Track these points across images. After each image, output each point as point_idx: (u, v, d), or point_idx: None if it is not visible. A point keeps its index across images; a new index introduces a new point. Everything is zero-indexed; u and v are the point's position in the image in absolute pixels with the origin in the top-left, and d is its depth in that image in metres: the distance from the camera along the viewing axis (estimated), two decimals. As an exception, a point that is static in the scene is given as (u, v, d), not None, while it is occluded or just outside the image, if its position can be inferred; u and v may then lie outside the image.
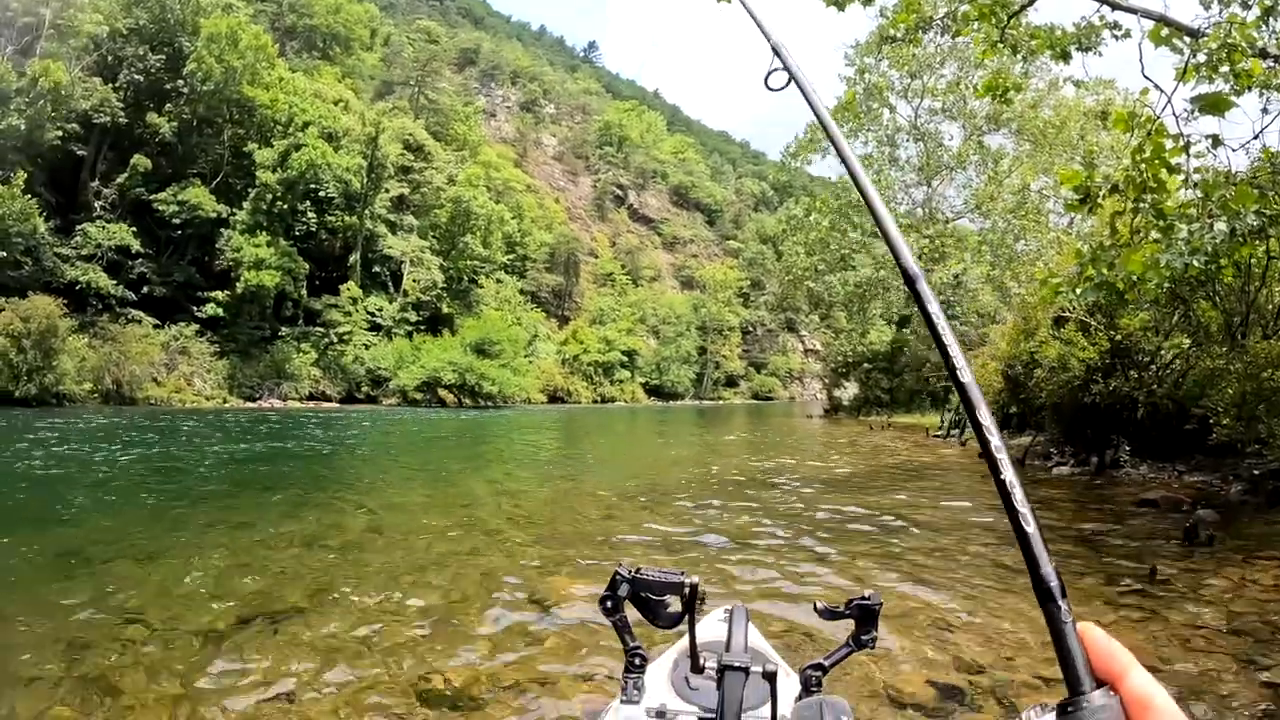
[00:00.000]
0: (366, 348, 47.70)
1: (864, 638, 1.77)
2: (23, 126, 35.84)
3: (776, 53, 1.54)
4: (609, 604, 1.76)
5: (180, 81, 41.49)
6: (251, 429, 24.79)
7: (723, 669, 1.66)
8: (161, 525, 9.17)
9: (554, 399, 61.88)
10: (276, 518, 9.82)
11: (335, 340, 46.42)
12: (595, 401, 67.80)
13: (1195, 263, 6.24)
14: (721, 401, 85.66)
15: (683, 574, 1.72)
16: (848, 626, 1.80)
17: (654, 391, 79.33)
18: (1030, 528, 0.89)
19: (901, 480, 14.05)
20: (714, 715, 1.68)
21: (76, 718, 4.10)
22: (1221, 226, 6.10)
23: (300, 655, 4.90)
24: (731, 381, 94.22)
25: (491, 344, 52.99)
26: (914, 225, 37.77)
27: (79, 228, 37.55)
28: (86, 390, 28.97)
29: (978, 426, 1.22)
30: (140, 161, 39.67)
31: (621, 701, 1.89)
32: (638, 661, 1.89)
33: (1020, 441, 17.19)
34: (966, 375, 1.23)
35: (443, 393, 48.10)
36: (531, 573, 6.94)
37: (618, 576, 1.74)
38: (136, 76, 41.35)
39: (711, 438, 28.59)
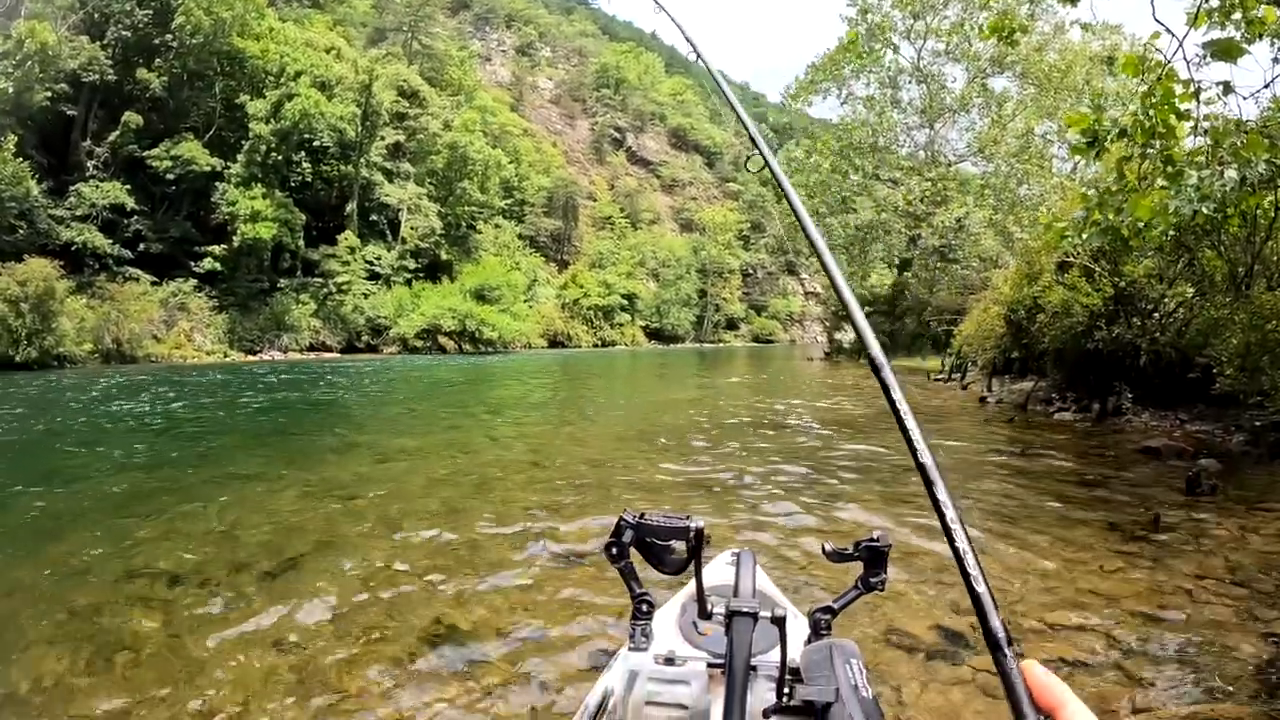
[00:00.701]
0: (366, 297, 47.58)
1: (873, 580, 1.75)
2: (11, 89, 35.60)
3: (755, 143, 1.82)
4: (614, 550, 1.73)
5: (169, 36, 40.87)
6: (252, 382, 24.83)
7: (730, 614, 1.63)
8: (164, 481, 9.20)
9: (554, 343, 61.89)
10: (280, 469, 9.90)
11: (334, 290, 46.29)
12: (596, 345, 67.81)
13: (1204, 209, 6.15)
14: (722, 344, 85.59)
15: (688, 518, 1.69)
16: (856, 569, 1.78)
17: (654, 335, 79.28)
18: (981, 588, 1.03)
19: (905, 424, 14.00)
20: (723, 661, 1.67)
21: (84, 674, 4.11)
22: (1232, 174, 6.00)
23: (309, 605, 4.95)
24: (732, 324, 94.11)
25: (491, 290, 52.90)
26: (915, 168, 37.43)
27: (73, 188, 37.31)
28: (87, 351, 28.95)
29: (935, 502, 1.22)
30: (131, 118, 39.23)
31: (629, 649, 1.90)
32: (644, 608, 1.89)
33: (1022, 387, 17.17)
34: (926, 457, 1.26)
35: (443, 339, 48.13)
36: (538, 518, 6.99)
37: (622, 522, 1.72)
38: (124, 33, 40.74)
39: (714, 380, 28.63)
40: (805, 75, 39.20)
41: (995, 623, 1.00)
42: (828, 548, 1.81)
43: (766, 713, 1.62)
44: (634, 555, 1.80)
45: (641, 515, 1.76)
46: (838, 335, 45.96)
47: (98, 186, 37.70)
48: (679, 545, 1.73)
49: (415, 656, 4.19)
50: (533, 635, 4.40)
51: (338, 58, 48.76)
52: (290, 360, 38.49)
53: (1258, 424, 9.76)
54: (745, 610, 1.63)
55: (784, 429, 13.15)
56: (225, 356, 36.83)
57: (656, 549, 1.79)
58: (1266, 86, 7.20)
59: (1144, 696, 3.62)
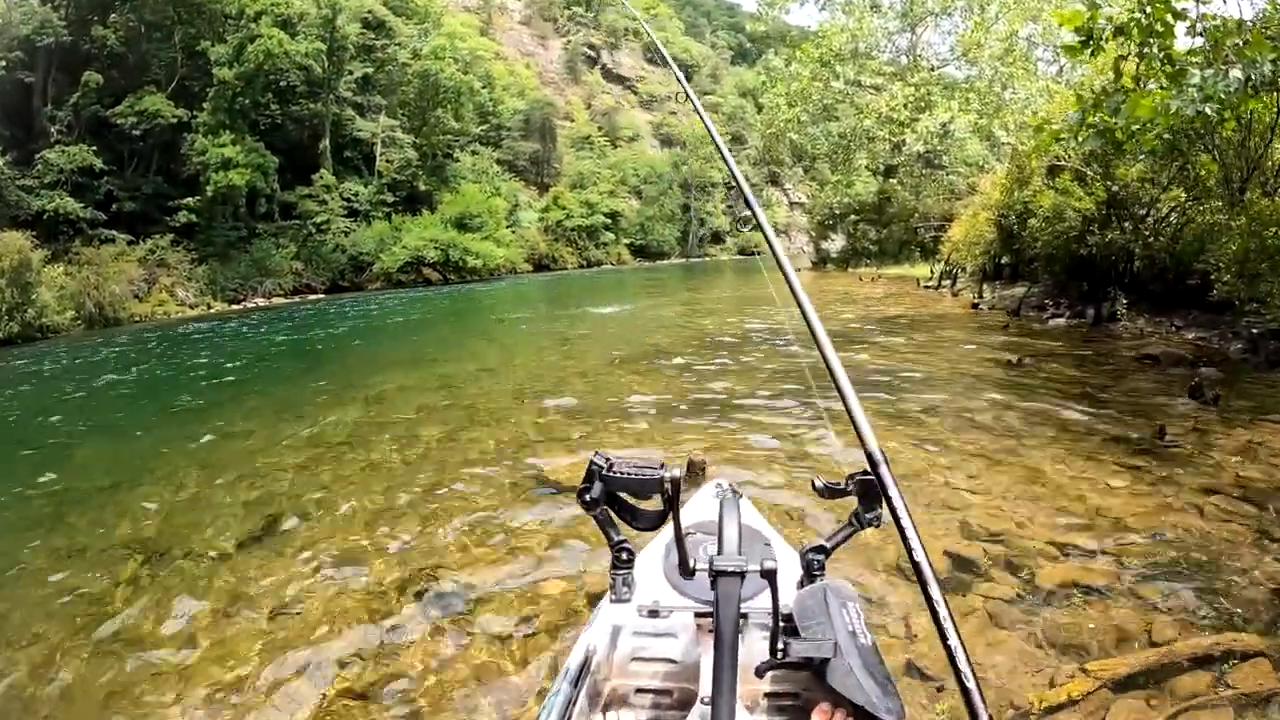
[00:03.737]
0: (346, 234, 46.88)
1: (868, 515, 1.70)
2: (-36, 64, 34.23)
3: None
4: (586, 497, 1.65)
5: (122, -12, 39.37)
6: (237, 332, 24.64)
7: (715, 574, 1.56)
8: (153, 446, 9.13)
9: (540, 267, 61.29)
10: (267, 423, 9.88)
11: (313, 231, 45.58)
12: (582, 266, 67.21)
13: (1208, 110, 5.93)
14: (708, 258, 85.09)
15: (660, 466, 1.61)
16: (850, 503, 1.74)
17: (639, 252, 78.67)
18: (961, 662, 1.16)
19: (899, 333, 13.99)
20: (710, 610, 1.61)
21: (80, 651, 4.11)
22: (1236, 74, 5.75)
23: (298, 564, 4.98)
24: (717, 238, 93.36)
25: (472, 217, 52.21)
26: (898, 74, 36.77)
27: (38, 156, 36.09)
28: (69, 319, 28.45)
29: (917, 566, 1.32)
30: (91, 78, 37.97)
31: (611, 600, 1.85)
32: (624, 556, 1.82)
33: (1013, 292, 17.09)
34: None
35: (427, 271, 47.63)
36: (523, 455, 6.98)
37: (593, 467, 1.64)
38: (76, -10, 39.26)
39: (701, 296, 28.50)
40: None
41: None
42: (818, 483, 1.76)
43: (760, 670, 1.56)
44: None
45: (610, 465, 1.65)
46: (824, 245, 45.64)
47: (64, 151, 36.59)
48: (654, 495, 1.62)
49: (397, 610, 4.17)
50: (515, 584, 4.36)
51: (299, -7, 47.35)
52: (275, 305, 38.18)
53: (1255, 331, 9.68)
54: (730, 569, 1.55)
55: (774, 345, 12.99)
56: (209, 308, 36.38)
57: (628, 504, 1.70)
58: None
59: (1161, 626, 3.58)
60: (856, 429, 1.62)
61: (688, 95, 2.65)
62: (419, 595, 4.35)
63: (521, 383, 10.96)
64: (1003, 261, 19.02)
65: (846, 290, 25.25)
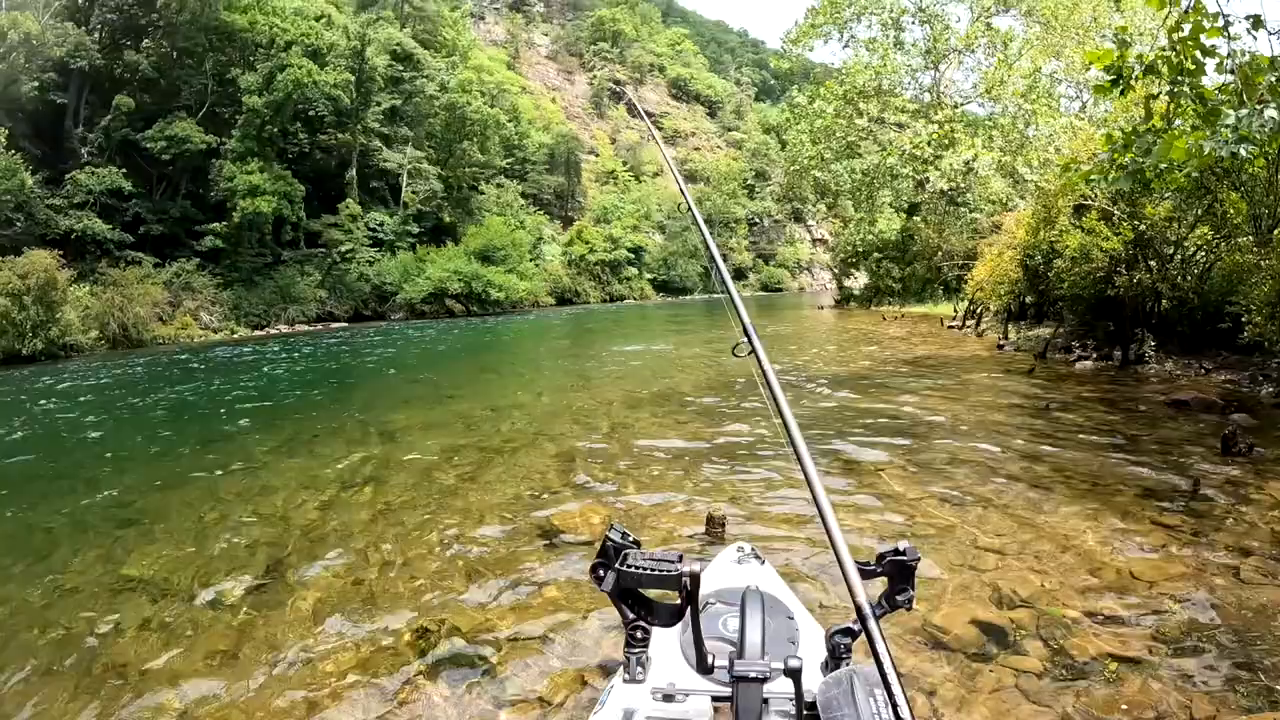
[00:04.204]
0: (370, 264, 47.28)
1: (899, 597, 1.61)
2: (-2, 82, 34.87)
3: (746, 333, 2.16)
4: (600, 573, 1.58)
5: (155, 15, 40.06)
6: (260, 358, 24.70)
7: (736, 680, 1.48)
8: (165, 475, 8.95)
9: (563, 300, 61.53)
10: (282, 456, 9.68)
11: (338, 260, 46.00)
12: (604, 301, 67.44)
13: (1244, 151, 5.75)
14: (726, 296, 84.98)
15: (679, 559, 1.53)
16: (881, 584, 1.66)
17: (662, 287, 78.89)
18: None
19: (923, 375, 13.76)
20: (729, 694, 1.51)
21: (72, 695, 3.94)
22: (1273, 114, 5.57)
23: (300, 615, 4.75)
24: (740, 274, 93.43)
25: (496, 250, 52.60)
26: (921, 111, 36.75)
27: (68, 176, 36.73)
28: (93, 339, 28.77)
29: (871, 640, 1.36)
30: (123, 102, 38.66)
31: (624, 680, 1.72)
32: (639, 634, 1.70)
33: (1039, 333, 16.87)
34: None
35: (450, 303, 47.88)
36: (541, 503, 6.74)
37: (608, 544, 1.56)
38: (109, 15, 40.09)
39: (725, 335, 28.34)
40: (805, 19, 38.44)
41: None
42: (838, 569, 1.58)
43: None
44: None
45: (625, 541, 1.58)
46: (847, 282, 45.51)
47: (93, 173, 37.15)
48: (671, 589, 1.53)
49: (405, 668, 3.95)
50: (525, 646, 4.13)
51: (328, 25, 47.86)
52: (298, 332, 38.40)
53: (1286, 373, 9.43)
54: (753, 675, 1.48)
55: (800, 388, 12.79)
56: (232, 333, 36.64)
57: (644, 597, 1.61)
58: (1297, 20, 6.73)
59: (1201, 703, 3.35)
60: (846, 578, 1.52)
61: (664, 155, 2.64)
62: (423, 653, 4.17)
63: (542, 423, 10.78)
64: (1027, 301, 18.80)
65: (869, 330, 25.04)
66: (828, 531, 1.56)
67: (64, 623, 4.88)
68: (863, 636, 1.66)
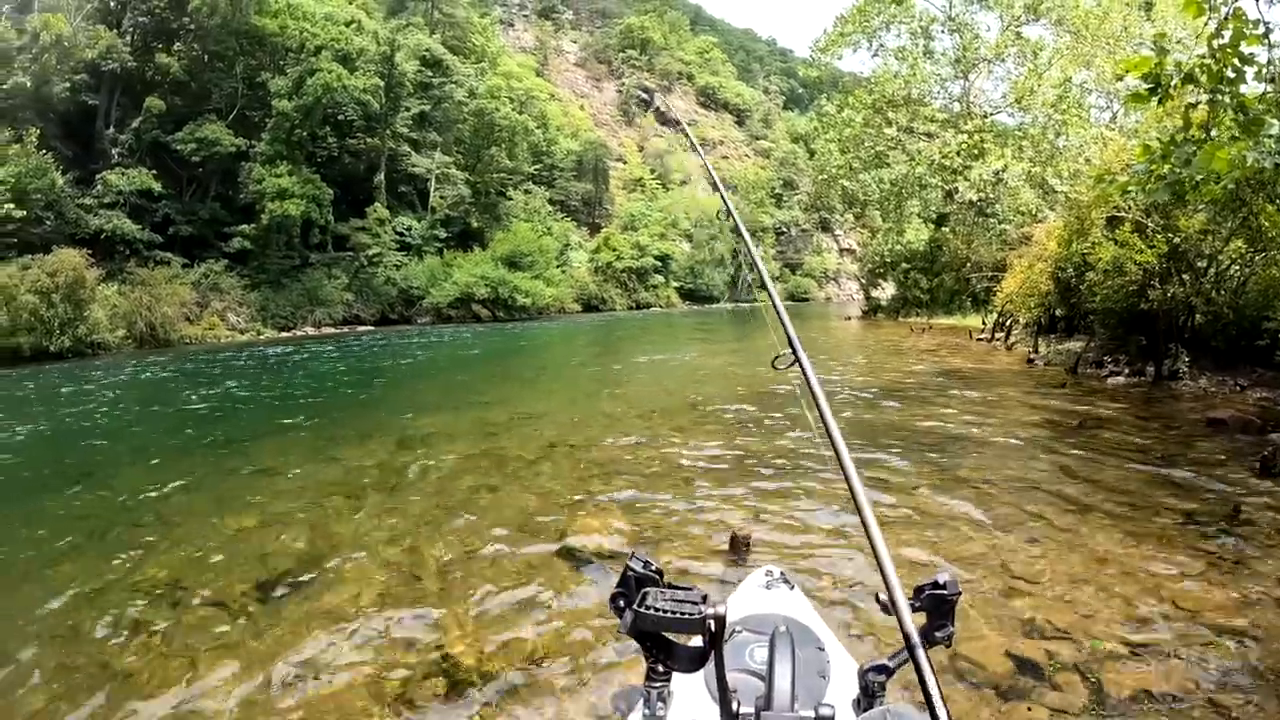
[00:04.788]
0: (397, 268, 47.51)
1: (938, 634, 1.52)
2: (29, 83, 35.42)
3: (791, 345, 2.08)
4: (620, 603, 1.45)
5: (186, 19, 40.52)
6: (283, 361, 24.80)
7: None
8: (185, 476, 8.92)
9: (589, 307, 61.53)
10: (303, 460, 9.64)
11: (365, 263, 46.24)
12: (631, 308, 67.39)
13: (1288, 162, 5.55)
14: (758, 303, 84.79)
15: (703, 599, 1.38)
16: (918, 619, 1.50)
17: (688, 295, 78.69)
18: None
19: (953, 389, 13.54)
20: None
21: (77, 705, 3.88)
22: (1319, 124, 5.36)
23: (309, 632, 4.62)
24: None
25: (523, 256, 52.68)
26: (950, 120, 36.48)
27: (99, 176, 37.20)
28: (120, 337, 29.11)
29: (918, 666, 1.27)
30: (154, 104, 39.12)
31: (644, 717, 1.61)
32: (661, 669, 1.55)
33: (1069, 347, 16.62)
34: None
35: (476, 308, 47.96)
36: (561, 519, 6.59)
37: (629, 573, 1.45)
38: (141, 19, 40.51)
39: (751, 344, 28.21)
40: (834, 28, 38.25)
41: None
42: (883, 597, 1.49)
43: None
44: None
45: (649, 565, 1.46)
46: (874, 293, 45.21)
47: (124, 173, 37.57)
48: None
49: (417, 696, 3.83)
50: (539, 677, 3.99)
51: (358, 30, 48.15)
52: (324, 334, 38.66)
53: (1323, 392, 9.17)
54: None
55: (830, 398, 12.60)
56: (259, 335, 36.91)
57: (664, 640, 1.45)
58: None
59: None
60: (894, 604, 1.42)
61: (703, 164, 2.56)
62: (444, 673, 4.05)
63: (565, 433, 10.64)
64: (1058, 314, 18.53)
65: (897, 341, 24.82)
66: (876, 556, 1.48)
67: (73, 622, 4.83)
68: (898, 673, 1.54)
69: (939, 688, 1.25)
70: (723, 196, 2.28)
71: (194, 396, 16.66)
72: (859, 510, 1.58)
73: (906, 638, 1.36)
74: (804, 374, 2.00)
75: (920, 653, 1.32)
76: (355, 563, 5.71)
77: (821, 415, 1.81)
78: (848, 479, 1.66)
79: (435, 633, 4.51)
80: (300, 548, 6.08)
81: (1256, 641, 4.00)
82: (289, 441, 11.18)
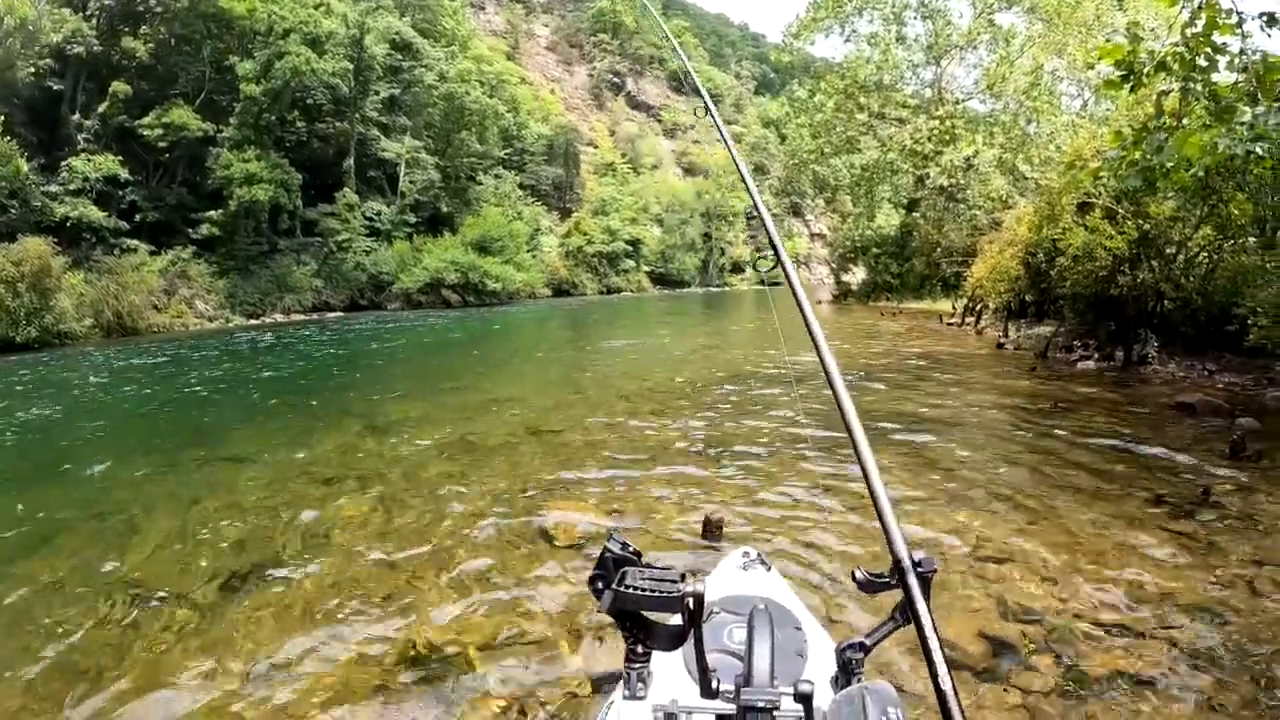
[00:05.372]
0: (367, 253, 47.18)
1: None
2: (-7, 68, 34.67)
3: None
4: (599, 585, 1.45)
5: (153, 1, 39.74)
6: (253, 348, 24.63)
7: (744, 710, 1.36)
8: (155, 468, 8.88)
9: (559, 292, 61.44)
10: (273, 448, 9.59)
11: (334, 249, 45.87)
12: (601, 292, 67.39)
13: (1259, 149, 5.62)
14: (728, 288, 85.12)
15: (680, 579, 1.39)
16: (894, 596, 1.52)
17: (660, 280, 78.79)
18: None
19: (925, 373, 13.67)
20: (734, 712, 1.41)
21: (46, 704, 3.83)
22: (1292, 112, 5.43)
23: (278, 623, 4.60)
24: (737, 268, 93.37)
25: (493, 241, 52.51)
26: (922, 106, 36.64)
27: (64, 163, 36.57)
28: (87, 327, 28.64)
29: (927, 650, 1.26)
30: (120, 88, 38.44)
31: (624, 697, 1.62)
32: (640, 650, 1.55)
33: (1039, 331, 16.77)
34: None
35: (446, 293, 47.75)
36: (535, 503, 6.60)
37: (607, 555, 1.46)
38: (107, 2, 39.69)
39: (721, 328, 28.25)
40: (806, 13, 38.23)
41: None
42: (859, 574, 1.55)
43: None
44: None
45: (626, 546, 1.46)
46: (845, 277, 45.42)
47: (90, 160, 36.94)
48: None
49: (392, 683, 3.82)
50: (511, 657, 3.99)
51: (327, 13, 47.50)
52: (294, 321, 38.30)
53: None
54: (761, 704, 1.35)
55: (801, 382, 12.66)
56: (228, 322, 36.49)
57: (643, 619, 1.46)
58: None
59: (1221, 727, 3.22)
60: (884, 526, 1.45)
61: (712, 117, 2.55)
62: (412, 661, 4.04)
63: (537, 418, 10.65)
64: (1028, 299, 18.70)
65: (868, 325, 24.96)
66: (865, 475, 1.54)
67: (43, 621, 4.77)
68: (875, 651, 1.57)
69: (930, 613, 1.31)
70: (743, 176, 2.27)
71: (161, 386, 16.50)
72: (854, 445, 1.62)
73: (897, 561, 1.40)
74: (786, 275, 2.04)
75: (911, 577, 1.37)
76: (326, 551, 5.69)
77: (811, 333, 1.84)
78: (839, 401, 1.73)
79: (408, 619, 4.50)
80: (270, 537, 6.05)
81: (1228, 622, 4.06)
82: (257, 429, 11.11)
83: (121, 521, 6.77)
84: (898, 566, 1.41)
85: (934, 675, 1.23)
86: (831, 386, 1.72)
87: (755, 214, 2.17)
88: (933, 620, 1.29)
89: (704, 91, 2.81)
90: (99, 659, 4.27)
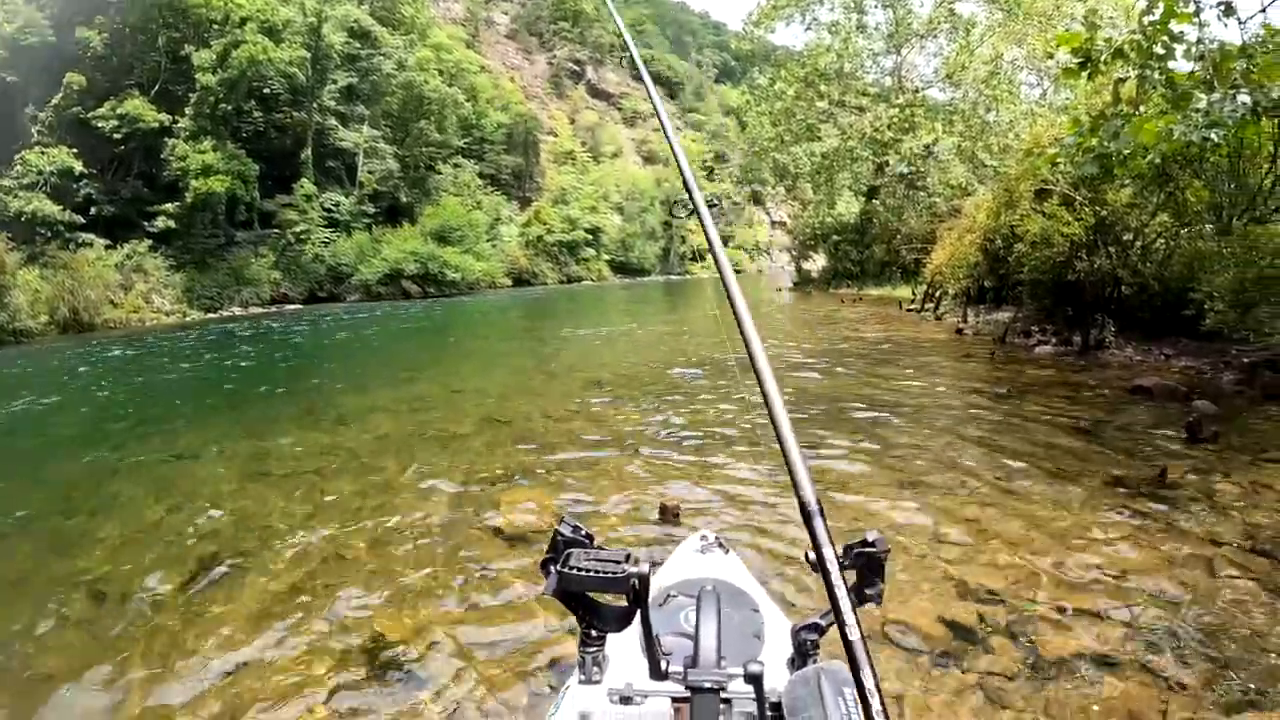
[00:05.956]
0: (325, 245, 46.70)
1: (868, 591, 1.49)
2: (-57, 61, 33.88)
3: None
4: (550, 567, 1.44)
5: (108, -9, 39.05)
6: (211, 342, 24.34)
7: (692, 691, 1.40)
8: (110, 465, 8.76)
9: (520, 282, 61.12)
10: (228, 442, 9.49)
11: (293, 241, 45.36)
12: (562, 282, 67.20)
13: (1214, 136, 5.72)
14: (689, 276, 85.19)
15: (625, 557, 1.39)
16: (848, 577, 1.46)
17: (620, 269, 78.73)
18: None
19: (885, 358, 13.79)
20: (689, 695, 1.43)
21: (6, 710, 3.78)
22: (1245, 99, 5.53)
23: (237, 620, 4.54)
24: (698, 256, 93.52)
25: (452, 231, 52.31)
26: (882, 95, 36.85)
27: (17, 156, 35.83)
28: (43, 323, 28.06)
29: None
30: (74, 79, 37.72)
31: (579, 682, 1.60)
32: (594, 633, 1.55)
33: (998, 317, 16.94)
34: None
35: (406, 284, 47.47)
36: (491, 493, 6.59)
37: (558, 538, 1.44)
38: (61, -8, 38.92)
39: (684, 315, 28.26)
40: (767, 1, 38.27)
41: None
42: (812, 556, 1.47)
43: None
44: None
45: (578, 529, 1.45)
46: (805, 265, 45.62)
47: (43, 153, 36.24)
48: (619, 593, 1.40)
49: (349, 676, 3.79)
50: (473, 651, 3.98)
51: (285, 1, 46.99)
52: (252, 314, 37.82)
53: (1246, 360, 9.48)
54: (708, 685, 1.39)
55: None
56: (185, 316, 35.91)
57: (590, 600, 1.46)
58: (1263, 10, 6.72)
59: (1179, 706, 3.29)
60: (791, 472, 1.43)
61: (658, 114, 2.53)
62: (368, 654, 4.02)
63: (494, 408, 10.62)
64: (986, 285, 18.89)
65: (828, 313, 25.07)
66: (783, 449, 1.50)
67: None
68: (831, 632, 1.57)
69: (860, 624, 1.29)
70: (678, 160, 2.25)
71: (114, 382, 16.24)
72: (774, 424, 1.58)
73: (820, 556, 1.37)
74: (722, 276, 2.03)
75: (835, 575, 1.34)
76: (283, 546, 5.62)
77: (736, 314, 1.83)
78: (754, 361, 1.68)
79: (365, 613, 4.47)
80: (226, 533, 5.97)
81: (1186, 602, 4.12)
82: (214, 425, 10.97)
83: (75, 520, 6.68)
84: (803, 511, 1.40)
85: (840, 624, 1.26)
86: (757, 376, 1.71)
87: (695, 211, 2.18)
88: (863, 633, 1.28)
89: (654, 94, 2.79)
90: (53, 656, 4.22)
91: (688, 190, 2.12)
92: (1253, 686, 3.38)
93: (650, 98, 2.77)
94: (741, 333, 1.72)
